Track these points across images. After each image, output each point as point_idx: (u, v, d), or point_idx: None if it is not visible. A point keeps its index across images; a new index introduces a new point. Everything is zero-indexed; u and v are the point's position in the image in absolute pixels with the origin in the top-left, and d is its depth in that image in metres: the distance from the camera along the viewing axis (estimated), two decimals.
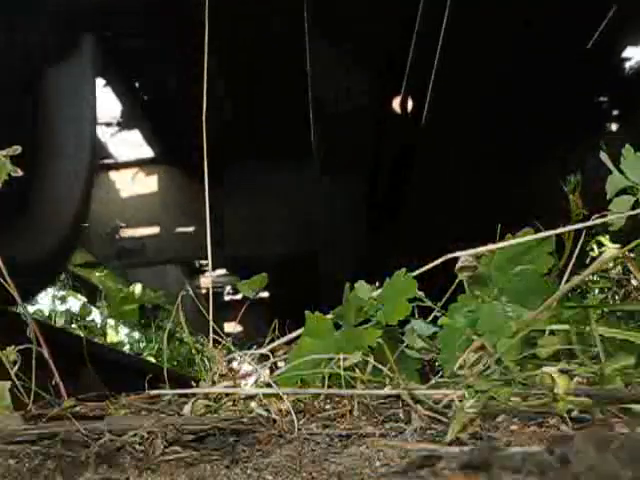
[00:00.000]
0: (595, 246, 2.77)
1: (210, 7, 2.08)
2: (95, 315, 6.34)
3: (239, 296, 10.49)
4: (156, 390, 1.29)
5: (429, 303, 1.54)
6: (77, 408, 1.03)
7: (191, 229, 7.01)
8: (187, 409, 1.12)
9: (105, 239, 6.69)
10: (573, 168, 1.43)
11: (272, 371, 1.49)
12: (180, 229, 7.03)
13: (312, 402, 1.16)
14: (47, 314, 5.63)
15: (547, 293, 1.24)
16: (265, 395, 1.16)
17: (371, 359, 1.29)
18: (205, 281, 10.55)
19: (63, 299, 5.95)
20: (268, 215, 6.82)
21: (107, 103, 5.96)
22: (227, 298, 10.86)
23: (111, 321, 6.90)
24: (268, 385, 1.21)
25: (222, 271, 10.29)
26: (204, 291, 10.53)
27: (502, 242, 1.39)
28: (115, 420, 0.96)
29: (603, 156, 1.29)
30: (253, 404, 1.16)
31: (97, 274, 7.14)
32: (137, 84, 5.67)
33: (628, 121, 5.44)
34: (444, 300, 1.54)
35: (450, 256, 1.45)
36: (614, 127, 5.65)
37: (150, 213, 7.05)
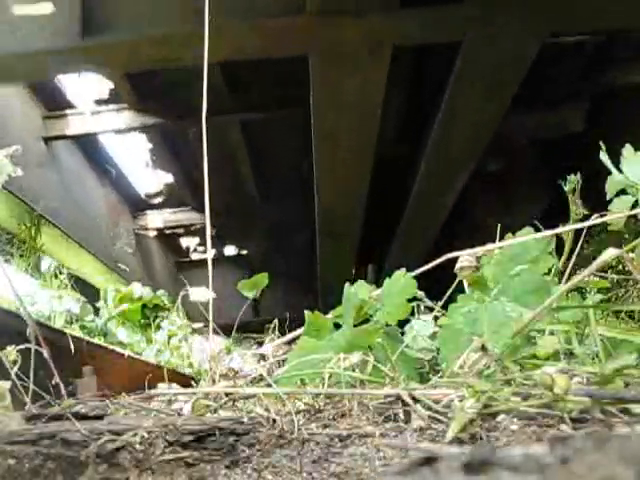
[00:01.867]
0: None
1: None
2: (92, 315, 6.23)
3: (212, 253, 8.52)
4: (156, 390, 1.29)
5: (429, 303, 1.55)
6: (77, 408, 1.03)
7: (46, 9, 3.74)
8: (187, 409, 1.13)
9: None
10: None
11: (272, 371, 1.49)
12: (27, 10, 3.75)
13: (312, 402, 1.16)
14: (47, 314, 5.59)
15: (547, 293, 1.24)
16: (265, 395, 1.16)
17: (371, 359, 1.29)
18: (153, 219, 7.74)
19: (61, 298, 5.82)
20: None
21: None
22: (195, 257, 8.25)
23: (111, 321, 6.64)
24: (268, 385, 1.21)
25: (180, 209, 7.67)
26: (152, 233, 7.76)
27: (502, 242, 1.39)
28: (115, 420, 0.96)
29: (603, 156, 1.29)
30: (253, 404, 1.16)
31: None
32: None
33: None
34: (444, 300, 1.54)
35: (450, 256, 1.45)
36: None
37: None
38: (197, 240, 8.22)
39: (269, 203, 7.63)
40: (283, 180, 7.32)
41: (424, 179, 5.41)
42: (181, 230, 7.77)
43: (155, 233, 7.80)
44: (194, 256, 8.25)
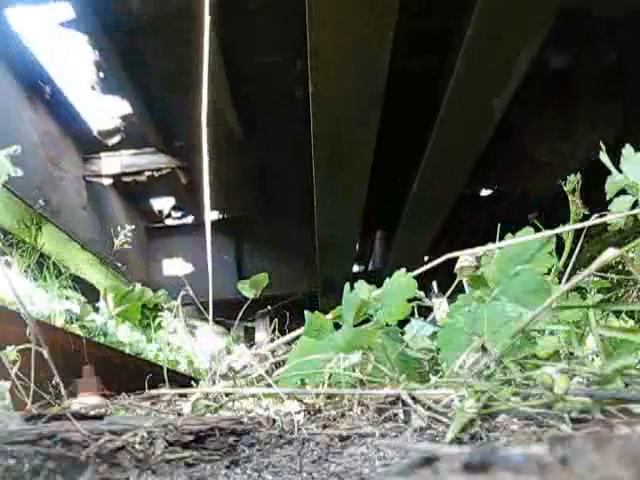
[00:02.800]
0: None
1: None
2: (94, 315, 6.18)
3: (189, 219, 6.63)
4: (156, 390, 1.29)
5: (429, 303, 1.55)
6: (77, 408, 1.03)
7: None
8: (187, 409, 1.13)
9: None
10: None
11: (272, 371, 1.49)
12: None
13: (312, 402, 1.16)
14: (47, 314, 5.55)
15: (547, 293, 1.24)
16: (265, 395, 1.17)
17: (371, 359, 1.29)
18: (108, 163, 5.60)
19: (61, 298, 5.74)
20: None
21: None
22: (170, 222, 6.68)
23: (111, 321, 6.50)
24: (268, 385, 1.21)
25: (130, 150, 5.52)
26: (106, 181, 5.67)
27: (502, 242, 1.39)
28: (115, 420, 0.96)
29: (603, 156, 1.29)
30: (253, 404, 1.17)
31: None
32: None
33: None
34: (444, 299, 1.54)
35: (450, 256, 1.45)
36: None
37: None
38: (172, 202, 6.55)
39: (255, 140, 5.28)
40: (273, 103, 4.71)
41: (466, 62, 3.02)
42: (143, 177, 5.86)
43: (111, 181, 5.83)
44: (168, 222, 6.63)
